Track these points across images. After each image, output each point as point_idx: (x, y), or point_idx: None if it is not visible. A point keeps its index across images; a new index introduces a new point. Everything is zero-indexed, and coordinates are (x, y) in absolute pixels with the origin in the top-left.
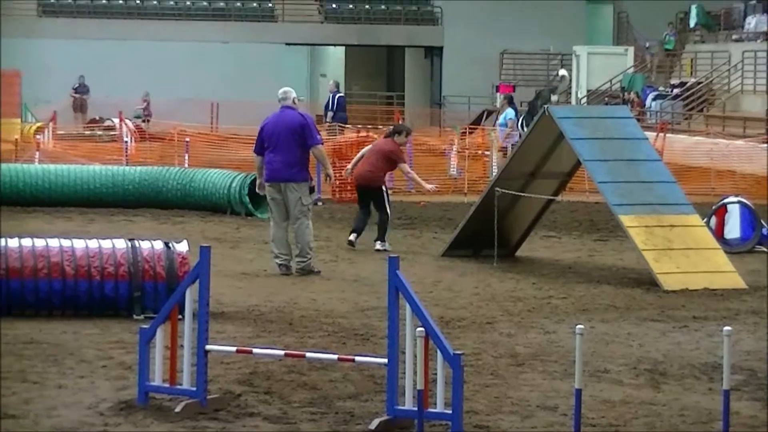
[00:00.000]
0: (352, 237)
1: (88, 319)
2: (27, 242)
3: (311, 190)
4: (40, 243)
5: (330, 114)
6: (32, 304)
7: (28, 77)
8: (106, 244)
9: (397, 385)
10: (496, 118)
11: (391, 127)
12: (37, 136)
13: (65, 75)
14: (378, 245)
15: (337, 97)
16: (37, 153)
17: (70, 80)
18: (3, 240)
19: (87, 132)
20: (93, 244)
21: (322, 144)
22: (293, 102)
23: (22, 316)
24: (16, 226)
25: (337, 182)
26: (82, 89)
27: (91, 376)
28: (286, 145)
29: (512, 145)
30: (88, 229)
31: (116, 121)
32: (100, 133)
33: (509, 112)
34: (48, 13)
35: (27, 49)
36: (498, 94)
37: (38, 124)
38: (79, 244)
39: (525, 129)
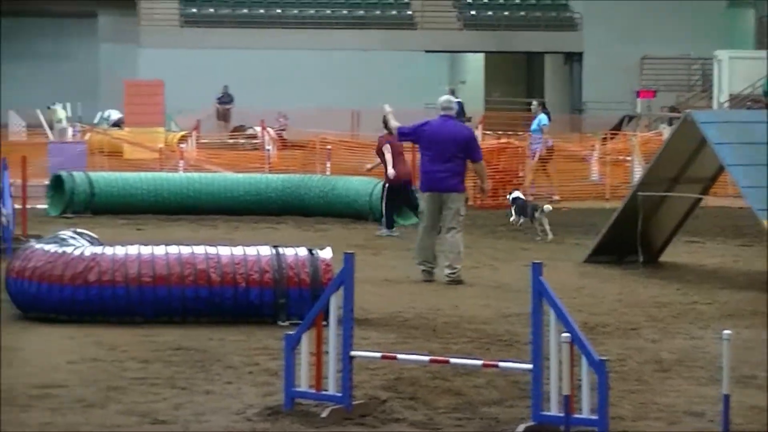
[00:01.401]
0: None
1: (233, 325)
2: (173, 250)
3: (466, 200)
4: (186, 251)
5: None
6: (179, 311)
7: (171, 86)
8: (251, 251)
9: (542, 391)
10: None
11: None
12: (181, 145)
13: (207, 84)
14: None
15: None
16: (181, 162)
17: (212, 89)
18: (150, 248)
19: (230, 140)
20: (238, 251)
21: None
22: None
23: (170, 322)
24: (162, 234)
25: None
26: (226, 99)
27: (238, 382)
28: (449, 156)
29: (538, 151)
30: (232, 236)
31: (258, 129)
32: (242, 141)
33: (542, 118)
34: (190, 23)
35: (170, 58)
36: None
37: (182, 133)
38: (224, 251)
39: None
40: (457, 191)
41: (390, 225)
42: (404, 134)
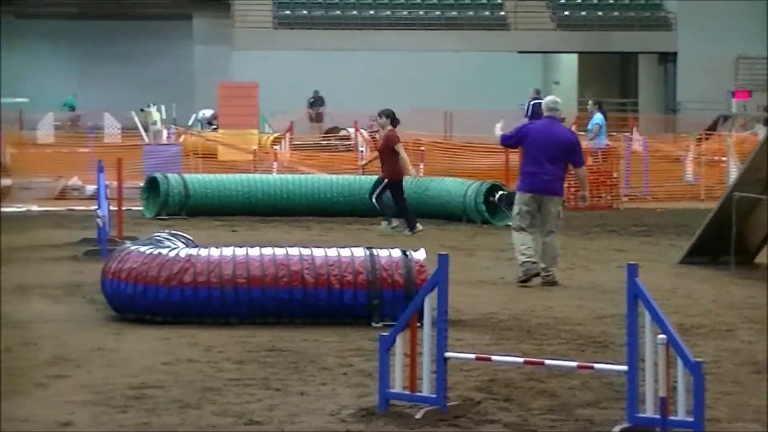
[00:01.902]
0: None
1: (327, 326)
2: (268, 251)
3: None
4: (280, 252)
5: (526, 121)
6: (273, 312)
7: (264, 88)
8: (345, 252)
9: (637, 393)
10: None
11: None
12: (275, 147)
13: (301, 86)
14: (383, 224)
15: (532, 103)
16: (275, 163)
17: (305, 91)
18: (245, 249)
19: (323, 142)
20: (332, 252)
21: None
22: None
23: (264, 324)
24: (256, 235)
25: (572, 189)
26: (317, 102)
27: (332, 383)
28: (554, 159)
29: (598, 150)
30: (326, 237)
31: (351, 131)
32: (335, 143)
33: (597, 117)
34: (283, 25)
35: (263, 60)
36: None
37: (275, 135)
38: (318, 252)
39: None
40: (558, 195)
41: (412, 224)
42: (508, 139)
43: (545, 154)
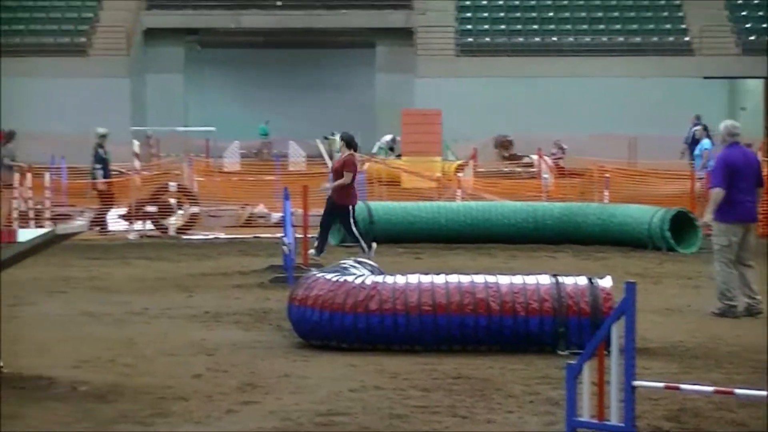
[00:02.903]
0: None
1: (513, 354)
2: (453, 279)
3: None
4: (465, 279)
5: (685, 146)
6: (459, 340)
7: (447, 115)
8: (530, 280)
9: None
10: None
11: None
12: (458, 174)
13: (483, 112)
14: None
15: (693, 131)
16: (459, 190)
17: (488, 118)
18: (430, 277)
19: (506, 169)
20: (517, 280)
21: None
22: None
23: (449, 351)
24: (440, 262)
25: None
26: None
27: (519, 411)
28: (752, 185)
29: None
30: (510, 265)
31: (535, 157)
32: (519, 170)
33: (705, 143)
34: (465, 53)
35: (445, 87)
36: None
37: (459, 162)
38: (503, 280)
39: None
40: (756, 220)
41: (320, 248)
42: (721, 181)
43: (747, 181)
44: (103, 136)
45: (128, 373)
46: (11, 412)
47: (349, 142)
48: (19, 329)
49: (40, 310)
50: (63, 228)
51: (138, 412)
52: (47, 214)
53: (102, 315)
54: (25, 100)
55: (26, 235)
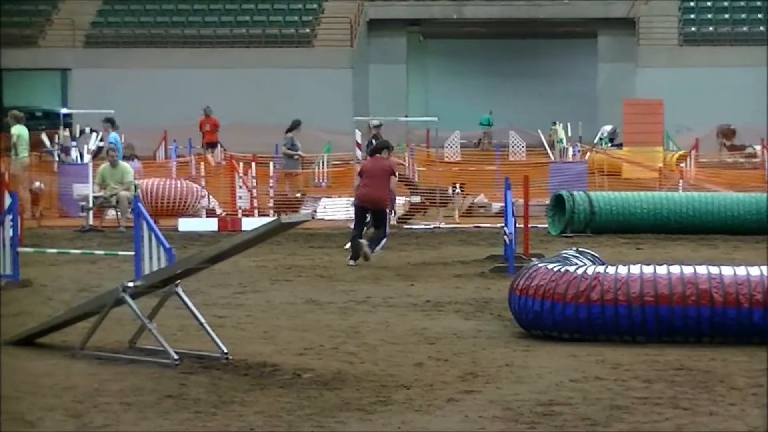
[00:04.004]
0: (352, 262)
1: (736, 346)
2: (675, 269)
3: None
4: (687, 270)
5: None
6: (681, 331)
7: (669, 105)
8: (754, 271)
9: None
10: None
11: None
12: (680, 165)
13: (706, 103)
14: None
15: None
16: (681, 181)
17: (712, 108)
18: (652, 267)
19: (729, 160)
20: (741, 271)
21: None
22: None
23: (672, 342)
24: (662, 253)
25: None
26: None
27: (742, 403)
28: None
29: None
30: (733, 256)
31: (758, 148)
32: (741, 160)
33: None
34: (689, 42)
35: (668, 77)
36: None
37: (680, 153)
38: (726, 271)
39: None
40: None
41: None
42: None
43: None
44: (378, 126)
45: (351, 361)
46: (236, 398)
47: (388, 148)
48: (245, 317)
49: (266, 297)
50: (287, 218)
51: (360, 399)
52: (270, 203)
53: (326, 303)
54: (253, 91)
55: (251, 224)
